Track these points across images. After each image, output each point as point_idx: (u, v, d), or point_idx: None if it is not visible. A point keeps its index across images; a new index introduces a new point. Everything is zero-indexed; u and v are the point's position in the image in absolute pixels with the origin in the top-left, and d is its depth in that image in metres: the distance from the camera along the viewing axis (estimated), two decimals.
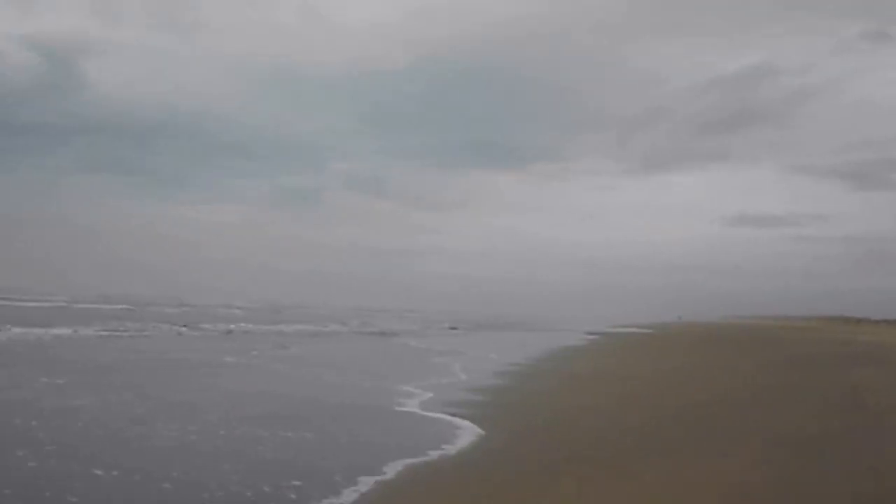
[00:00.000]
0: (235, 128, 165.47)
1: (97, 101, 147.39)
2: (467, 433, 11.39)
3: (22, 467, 8.32)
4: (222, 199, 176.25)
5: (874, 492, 7.71)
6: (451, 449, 10.29)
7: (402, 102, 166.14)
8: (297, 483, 8.13)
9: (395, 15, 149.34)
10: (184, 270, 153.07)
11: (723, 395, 16.21)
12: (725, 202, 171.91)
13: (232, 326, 40.36)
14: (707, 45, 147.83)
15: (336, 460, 9.33)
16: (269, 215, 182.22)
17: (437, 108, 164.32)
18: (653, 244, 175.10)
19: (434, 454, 9.89)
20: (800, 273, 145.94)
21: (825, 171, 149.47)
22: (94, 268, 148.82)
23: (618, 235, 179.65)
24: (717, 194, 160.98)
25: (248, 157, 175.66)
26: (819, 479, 8.23)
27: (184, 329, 36.62)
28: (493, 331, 57.96)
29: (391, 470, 8.85)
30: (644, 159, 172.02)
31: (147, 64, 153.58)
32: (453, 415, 13.02)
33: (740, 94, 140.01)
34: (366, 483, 8.25)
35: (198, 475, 8.36)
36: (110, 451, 9.29)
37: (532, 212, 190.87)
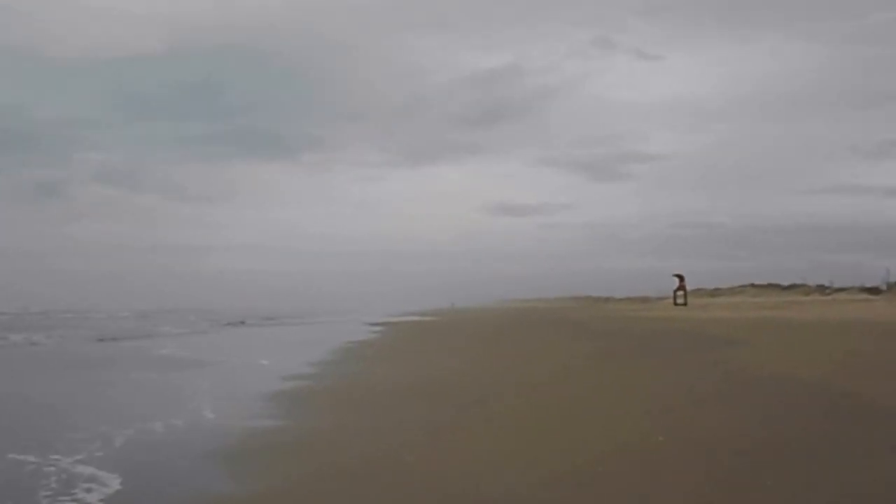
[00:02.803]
0: None
1: None
2: None
3: None
4: None
5: None
6: None
7: (159, 89, 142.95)
8: None
9: None
10: None
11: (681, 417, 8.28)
12: (484, 192, 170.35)
13: None
14: (461, 43, 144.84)
15: None
16: (9, 213, 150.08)
17: (197, 96, 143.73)
18: (419, 234, 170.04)
19: None
20: (550, 257, 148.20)
21: (567, 164, 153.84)
22: None
23: (385, 226, 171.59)
24: (477, 185, 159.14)
25: None
26: None
27: None
28: (271, 326, 47.56)
29: None
30: (407, 151, 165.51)
31: None
32: None
33: (492, 91, 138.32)
34: None
35: None
36: None
37: (301, 203, 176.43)
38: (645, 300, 77.14)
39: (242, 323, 49.84)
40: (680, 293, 61.91)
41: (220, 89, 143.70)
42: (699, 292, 68.85)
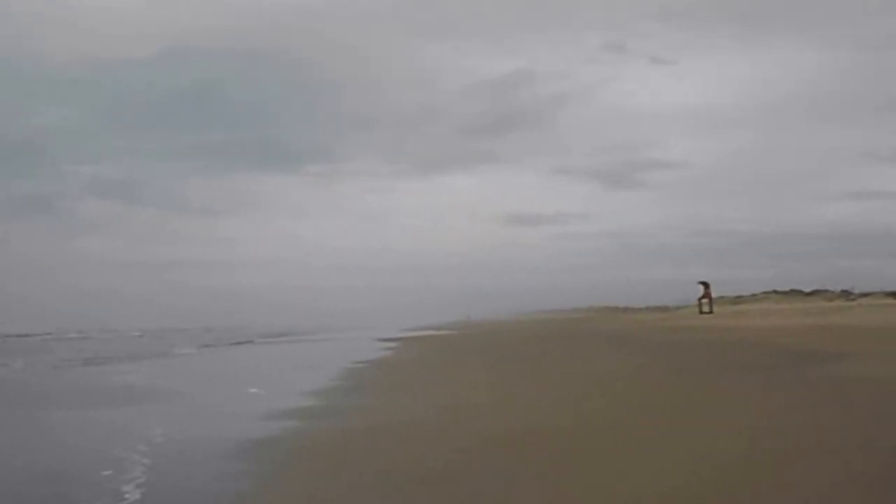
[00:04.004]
0: None
1: None
2: None
3: None
4: None
5: None
6: None
7: (156, 97, 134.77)
8: None
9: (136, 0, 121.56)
10: None
11: None
12: (498, 202, 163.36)
13: None
14: (471, 49, 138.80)
15: None
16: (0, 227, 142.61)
17: (197, 104, 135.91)
18: (431, 246, 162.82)
19: None
20: (566, 267, 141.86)
21: (583, 172, 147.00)
22: None
23: (396, 238, 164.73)
24: (490, 195, 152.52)
25: None
26: None
27: None
28: (280, 344, 43.32)
29: None
30: (417, 161, 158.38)
31: None
32: None
33: (504, 97, 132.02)
34: None
35: None
36: None
37: (309, 216, 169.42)
38: (664, 309, 73.05)
39: (251, 341, 45.99)
40: (705, 301, 58.08)
41: (220, 97, 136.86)
42: (721, 300, 64.66)
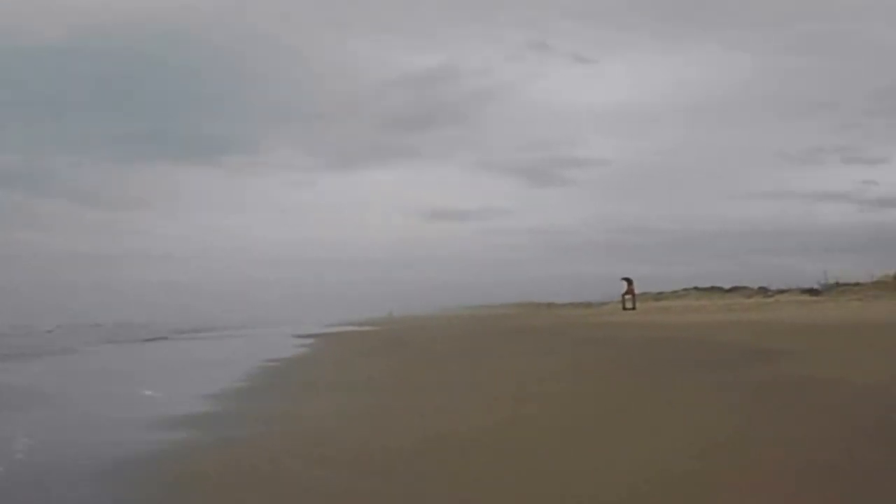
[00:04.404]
0: None
1: None
2: None
3: None
4: None
5: None
6: None
7: (66, 84, 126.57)
8: None
9: None
10: None
11: None
12: (420, 198, 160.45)
13: None
14: (395, 43, 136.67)
15: None
16: None
17: (107, 92, 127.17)
18: (352, 241, 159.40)
19: None
20: (489, 263, 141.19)
21: (506, 169, 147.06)
22: None
23: (316, 233, 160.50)
24: (412, 190, 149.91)
25: None
26: None
27: None
28: (193, 340, 41.04)
29: None
30: (339, 154, 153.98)
31: None
32: None
33: (426, 93, 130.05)
34: None
35: None
36: None
37: (227, 209, 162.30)
38: (588, 305, 73.81)
39: (164, 337, 43.53)
40: (628, 297, 58.78)
41: (131, 85, 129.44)
42: (643, 296, 65.78)
